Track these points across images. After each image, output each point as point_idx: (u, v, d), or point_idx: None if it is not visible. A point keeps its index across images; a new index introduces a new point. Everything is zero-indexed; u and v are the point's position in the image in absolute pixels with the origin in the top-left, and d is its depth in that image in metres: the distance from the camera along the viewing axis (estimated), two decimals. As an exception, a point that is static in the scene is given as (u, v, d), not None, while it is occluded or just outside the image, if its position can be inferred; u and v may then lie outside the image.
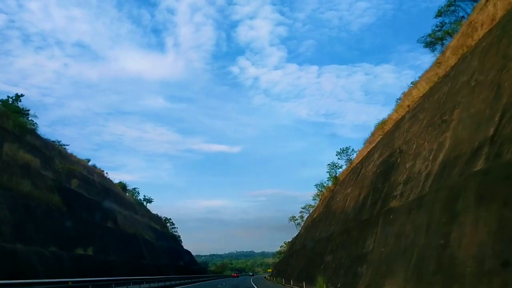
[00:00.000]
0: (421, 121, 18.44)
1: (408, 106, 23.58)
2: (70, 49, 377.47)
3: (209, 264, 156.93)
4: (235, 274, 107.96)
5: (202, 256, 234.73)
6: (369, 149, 32.97)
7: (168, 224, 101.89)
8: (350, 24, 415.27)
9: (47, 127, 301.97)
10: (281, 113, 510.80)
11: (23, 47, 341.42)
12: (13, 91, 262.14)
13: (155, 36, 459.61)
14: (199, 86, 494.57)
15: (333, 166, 45.81)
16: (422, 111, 19.24)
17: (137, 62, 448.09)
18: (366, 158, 28.88)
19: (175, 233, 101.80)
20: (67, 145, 50.51)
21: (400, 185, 15.62)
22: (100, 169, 68.83)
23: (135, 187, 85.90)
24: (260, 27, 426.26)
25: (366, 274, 11.84)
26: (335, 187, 41.19)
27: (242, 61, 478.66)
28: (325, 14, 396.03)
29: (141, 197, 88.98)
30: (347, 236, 17.39)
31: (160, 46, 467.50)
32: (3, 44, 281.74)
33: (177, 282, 47.12)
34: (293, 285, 24.95)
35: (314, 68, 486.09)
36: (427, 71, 25.54)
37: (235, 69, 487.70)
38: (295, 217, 76.51)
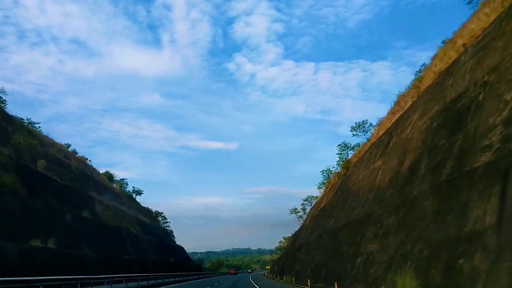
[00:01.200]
0: (501, 48, 12.68)
1: (464, 45, 17.79)
2: (66, 45, 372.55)
3: (205, 261, 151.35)
4: (233, 271, 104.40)
5: (198, 253, 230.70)
6: (393, 120, 27.52)
7: (160, 219, 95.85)
8: (346, 20, 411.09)
9: (43, 124, 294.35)
10: (278, 110, 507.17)
11: (18, 43, 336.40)
12: (8, 87, 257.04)
13: (151, 33, 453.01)
14: (195, 82, 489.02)
15: (344, 147, 39.99)
16: (499, 37, 13.47)
17: (133, 59, 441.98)
18: (396, 125, 23.05)
19: (167, 228, 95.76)
20: (37, 123, 44.08)
21: (495, 128, 9.74)
22: (83, 156, 62.76)
23: (124, 178, 79.73)
24: (257, 24, 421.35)
25: (497, 270, 5.99)
26: (347, 171, 35.45)
27: (239, 58, 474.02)
28: (321, 10, 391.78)
29: (130, 189, 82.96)
30: (408, 213, 11.49)
31: (156, 43, 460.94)
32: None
33: (165, 280, 41.15)
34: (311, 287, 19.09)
35: (311, 64, 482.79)
36: (483, 3, 19.80)
37: (231, 66, 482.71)
38: (296, 209, 70.65)
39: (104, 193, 50.61)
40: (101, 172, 70.65)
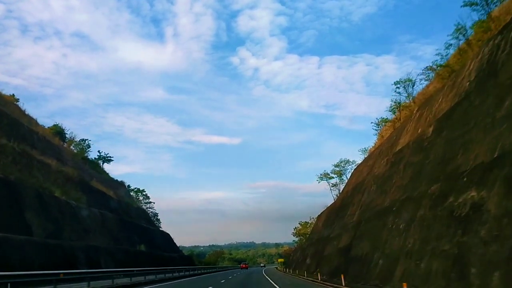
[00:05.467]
0: None
1: None
2: (69, 39, 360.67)
3: (207, 254, 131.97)
4: (243, 265, 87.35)
5: (201, 246, 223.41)
6: None
7: (141, 198, 74.72)
8: (351, 14, 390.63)
9: (47, 118, 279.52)
10: (282, 104, 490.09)
11: (21, 38, 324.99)
12: (12, 82, 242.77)
13: (155, 26, 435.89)
14: (199, 77, 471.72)
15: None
16: None
17: (137, 53, 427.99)
18: None
19: (150, 209, 74.55)
20: None
21: None
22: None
23: (86, 139, 58.21)
24: (261, 17, 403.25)
25: None
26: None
27: (242, 52, 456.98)
28: (326, 3, 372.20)
29: (95, 154, 61.79)
30: None
31: (159, 37, 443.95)
32: (2, 35, 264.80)
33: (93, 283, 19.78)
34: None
35: (315, 58, 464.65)
36: None
37: (235, 60, 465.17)
38: (328, 174, 49.09)
39: (10, 130, 29.12)
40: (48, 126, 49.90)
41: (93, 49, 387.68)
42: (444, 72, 21.34)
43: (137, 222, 48.26)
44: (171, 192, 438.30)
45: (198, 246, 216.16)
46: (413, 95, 26.68)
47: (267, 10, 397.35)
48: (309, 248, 40.07)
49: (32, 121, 41.98)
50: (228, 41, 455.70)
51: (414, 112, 23.72)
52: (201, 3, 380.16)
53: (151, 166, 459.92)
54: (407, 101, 27.20)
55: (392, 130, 30.27)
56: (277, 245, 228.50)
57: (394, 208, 13.90)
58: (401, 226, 12.01)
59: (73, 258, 24.74)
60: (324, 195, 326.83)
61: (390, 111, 29.87)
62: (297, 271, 36.12)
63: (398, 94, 27.18)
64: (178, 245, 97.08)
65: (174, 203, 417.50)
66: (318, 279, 20.65)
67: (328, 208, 42.38)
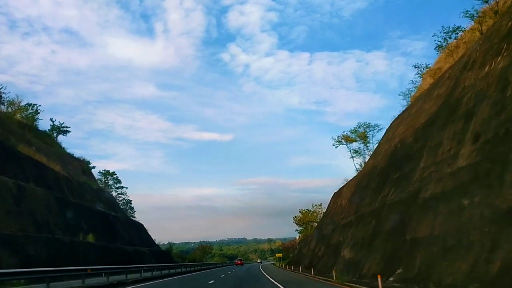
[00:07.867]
0: None
1: None
2: (58, 35, 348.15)
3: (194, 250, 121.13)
4: (238, 261, 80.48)
5: (192, 243, 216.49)
6: None
7: (111, 182, 62.54)
8: (342, 9, 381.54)
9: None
10: (272, 101, 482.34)
11: (9, 34, 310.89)
12: (0, 78, 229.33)
13: (144, 22, 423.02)
14: (189, 73, 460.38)
15: None
16: None
17: (126, 49, 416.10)
18: None
19: (121, 196, 62.41)
20: None
21: None
22: None
23: (35, 104, 45.75)
24: (251, 13, 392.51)
25: None
26: None
27: (233, 48, 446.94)
28: None
29: (46, 123, 49.53)
30: None
31: (149, 32, 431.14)
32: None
33: None
34: None
35: (306, 55, 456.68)
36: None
37: (225, 56, 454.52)
38: (349, 137, 37.46)
39: None
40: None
41: (82, 45, 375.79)
42: None
43: (90, 206, 36.07)
44: (162, 189, 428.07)
45: (188, 242, 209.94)
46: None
47: (257, 6, 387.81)
48: (340, 232, 25.68)
49: None
50: (218, 37, 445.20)
51: None
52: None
53: (142, 163, 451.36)
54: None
55: (465, 47, 18.77)
56: (269, 240, 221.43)
57: None
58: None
59: None
60: (316, 191, 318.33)
61: (470, 14, 18.33)
62: (334, 272, 21.00)
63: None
64: (168, 241, 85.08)
65: (165, 199, 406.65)
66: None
67: (355, 178, 30.58)
